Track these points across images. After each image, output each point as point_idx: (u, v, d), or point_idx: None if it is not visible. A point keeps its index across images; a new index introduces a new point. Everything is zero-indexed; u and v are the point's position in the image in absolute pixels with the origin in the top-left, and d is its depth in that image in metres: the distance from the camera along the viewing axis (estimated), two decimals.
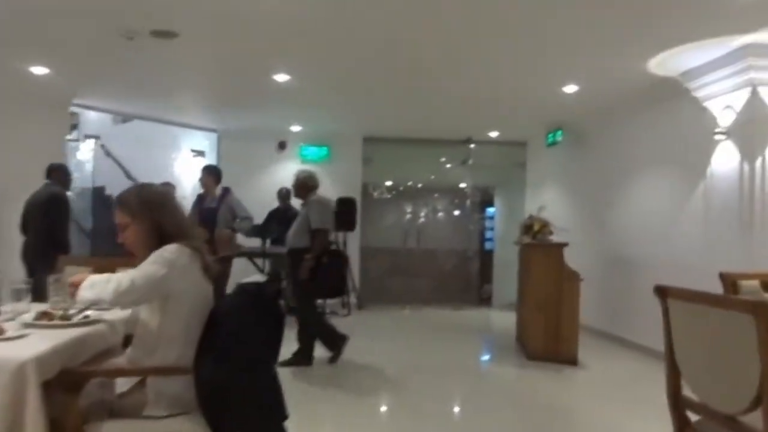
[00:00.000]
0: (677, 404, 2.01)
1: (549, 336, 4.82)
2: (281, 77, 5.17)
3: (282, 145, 8.00)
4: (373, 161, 8.29)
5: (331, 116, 7.27)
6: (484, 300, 9.10)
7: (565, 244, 4.94)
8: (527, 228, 5.87)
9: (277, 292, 1.79)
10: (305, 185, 4.86)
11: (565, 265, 4.86)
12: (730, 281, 2.94)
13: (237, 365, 1.56)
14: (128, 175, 6.89)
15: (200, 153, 7.57)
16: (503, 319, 7.79)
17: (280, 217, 7.04)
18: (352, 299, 7.62)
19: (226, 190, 5.50)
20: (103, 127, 7.33)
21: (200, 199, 5.50)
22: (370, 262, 8.51)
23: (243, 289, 1.66)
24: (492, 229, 10.97)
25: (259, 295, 1.64)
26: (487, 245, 10.95)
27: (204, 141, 7.73)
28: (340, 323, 6.76)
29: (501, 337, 6.25)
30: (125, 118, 7.77)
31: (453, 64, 4.93)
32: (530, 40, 4.27)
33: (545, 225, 5.75)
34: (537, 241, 5.33)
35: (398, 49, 4.57)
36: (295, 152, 8.07)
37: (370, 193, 8.47)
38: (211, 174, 5.47)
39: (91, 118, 7.08)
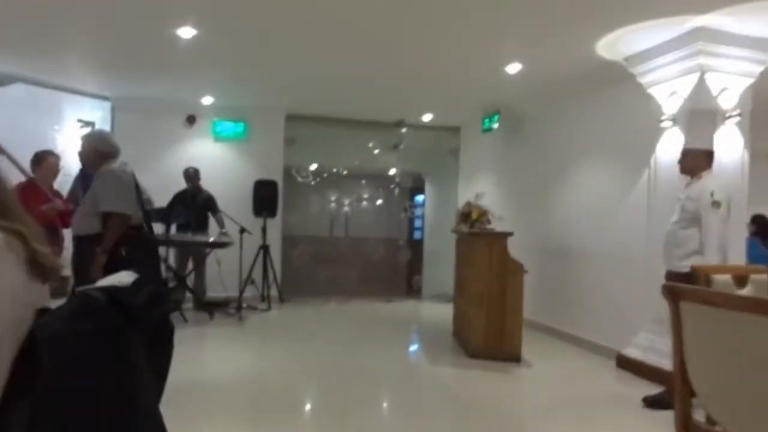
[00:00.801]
0: (687, 430, 1.61)
1: (491, 332, 4.46)
2: (186, 32, 4.35)
3: (191, 120, 7.08)
4: (297, 142, 7.57)
5: (249, 88, 6.48)
6: (414, 291, 8.73)
7: (510, 234, 4.59)
8: (465, 216, 5.54)
9: (155, 300, 1.14)
10: (97, 152, 3.46)
11: (509, 256, 4.50)
12: (702, 275, 2.66)
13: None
14: None
15: (89, 124, 6.48)
16: (435, 312, 7.43)
17: (188, 200, 6.19)
18: (273, 292, 6.93)
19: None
20: None
21: (84, 176, 4.55)
22: (292, 252, 7.82)
23: (85, 299, 1.00)
24: (420, 217, 10.66)
25: (110, 309, 0.98)
26: (416, 234, 10.62)
27: (95, 111, 6.64)
28: (259, 319, 6.11)
29: (436, 332, 5.85)
30: None
31: (387, 38, 4.43)
32: (474, 13, 3.84)
33: (484, 213, 5.45)
34: (476, 229, 4.95)
35: (327, 16, 3.96)
36: (207, 128, 7.18)
37: (293, 176, 7.74)
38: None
39: None
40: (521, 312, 4.47)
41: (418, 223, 10.92)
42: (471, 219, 5.46)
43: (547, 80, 5.37)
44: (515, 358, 4.40)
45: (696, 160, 3.57)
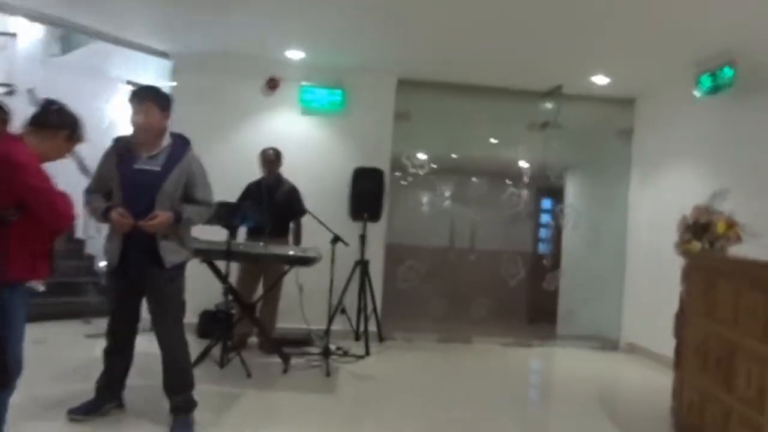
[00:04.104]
0: None
1: None
2: None
3: (273, 84, 5.54)
4: (411, 118, 5.83)
5: (351, 39, 4.88)
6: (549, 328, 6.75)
7: None
8: (701, 228, 3.66)
9: None
10: None
11: None
12: None
13: None
14: None
15: None
16: (602, 368, 5.46)
17: (262, 193, 4.65)
18: (371, 326, 5.22)
19: (183, 142, 3.02)
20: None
21: (122, 150, 2.93)
22: (399, 268, 6.08)
23: None
24: (545, 226, 8.54)
25: None
26: (541, 248, 8.61)
27: (150, 71, 5.35)
28: (352, 375, 4.27)
29: (638, 421, 3.81)
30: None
31: None
32: None
33: (733, 225, 3.57)
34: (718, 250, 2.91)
35: None
36: (293, 95, 5.60)
37: (403, 165, 5.99)
38: (154, 99, 2.89)
39: None
40: None
41: (543, 232, 8.90)
42: (715, 233, 3.55)
43: None
44: None
45: None
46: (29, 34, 5.92)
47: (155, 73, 5.56)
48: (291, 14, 4.33)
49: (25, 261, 2.31)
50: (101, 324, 5.13)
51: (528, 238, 7.87)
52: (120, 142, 2.97)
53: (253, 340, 4.88)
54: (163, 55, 5.37)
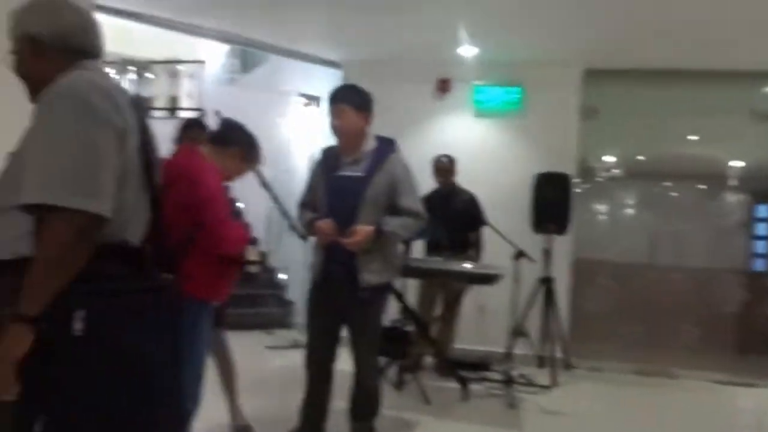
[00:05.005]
0: None
1: None
2: None
3: (443, 86, 5.28)
4: (600, 115, 5.20)
5: (529, 28, 4.44)
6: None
7: None
8: None
9: None
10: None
11: None
12: None
13: None
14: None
15: (314, 100, 5.31)
16: None
17: (437, 205, 4.39)
18: (557, 352, 4.69)
19: (388, 144, 2.83)
20: None
21: (329, 159, 2.83)
22: (587, 288, 5.47)
23: None
24: (763, 238, 7.27)
25: None
26: (757, 264, 7.30)
27: (322, 81, 5.43)
28: (539, 409, 3.75)
29: None
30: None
31: None
32: None
33: None
34: None
35: None
36: (465, 96, 5.28)
37: (590, 169, 5.38)
38: (348, 100, 2.70)
39: None
40: None
41: (760, 246, 7.60)
42: None
43: None
44: None
45: None
46: (214, 57, 6.38)
47: (327, 84, 5.66)
48: (463, 5, 4.04)
49: (208, 279, 2.27)
50: (284, 335, 5.42)
51: (741, 253, 6.67)
52: (327, 151, 2.88)
53: (428, 360, 4.66)
54: (334, 65, 5.40)
